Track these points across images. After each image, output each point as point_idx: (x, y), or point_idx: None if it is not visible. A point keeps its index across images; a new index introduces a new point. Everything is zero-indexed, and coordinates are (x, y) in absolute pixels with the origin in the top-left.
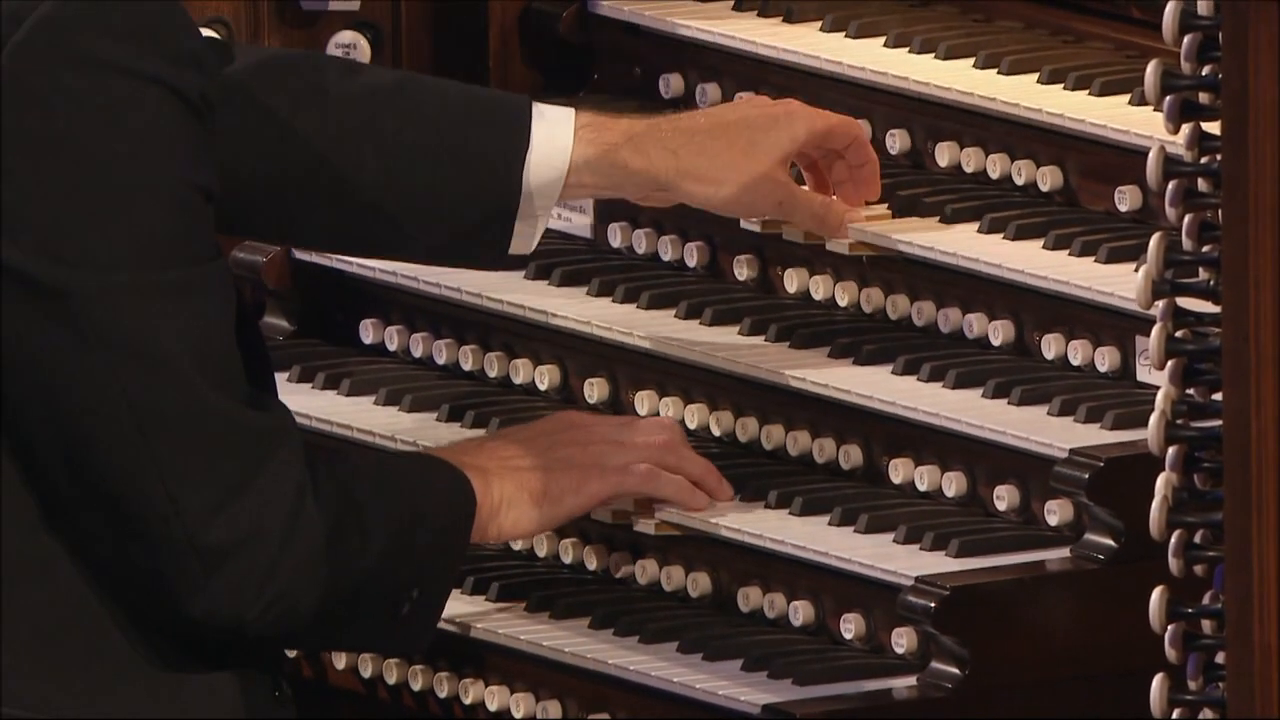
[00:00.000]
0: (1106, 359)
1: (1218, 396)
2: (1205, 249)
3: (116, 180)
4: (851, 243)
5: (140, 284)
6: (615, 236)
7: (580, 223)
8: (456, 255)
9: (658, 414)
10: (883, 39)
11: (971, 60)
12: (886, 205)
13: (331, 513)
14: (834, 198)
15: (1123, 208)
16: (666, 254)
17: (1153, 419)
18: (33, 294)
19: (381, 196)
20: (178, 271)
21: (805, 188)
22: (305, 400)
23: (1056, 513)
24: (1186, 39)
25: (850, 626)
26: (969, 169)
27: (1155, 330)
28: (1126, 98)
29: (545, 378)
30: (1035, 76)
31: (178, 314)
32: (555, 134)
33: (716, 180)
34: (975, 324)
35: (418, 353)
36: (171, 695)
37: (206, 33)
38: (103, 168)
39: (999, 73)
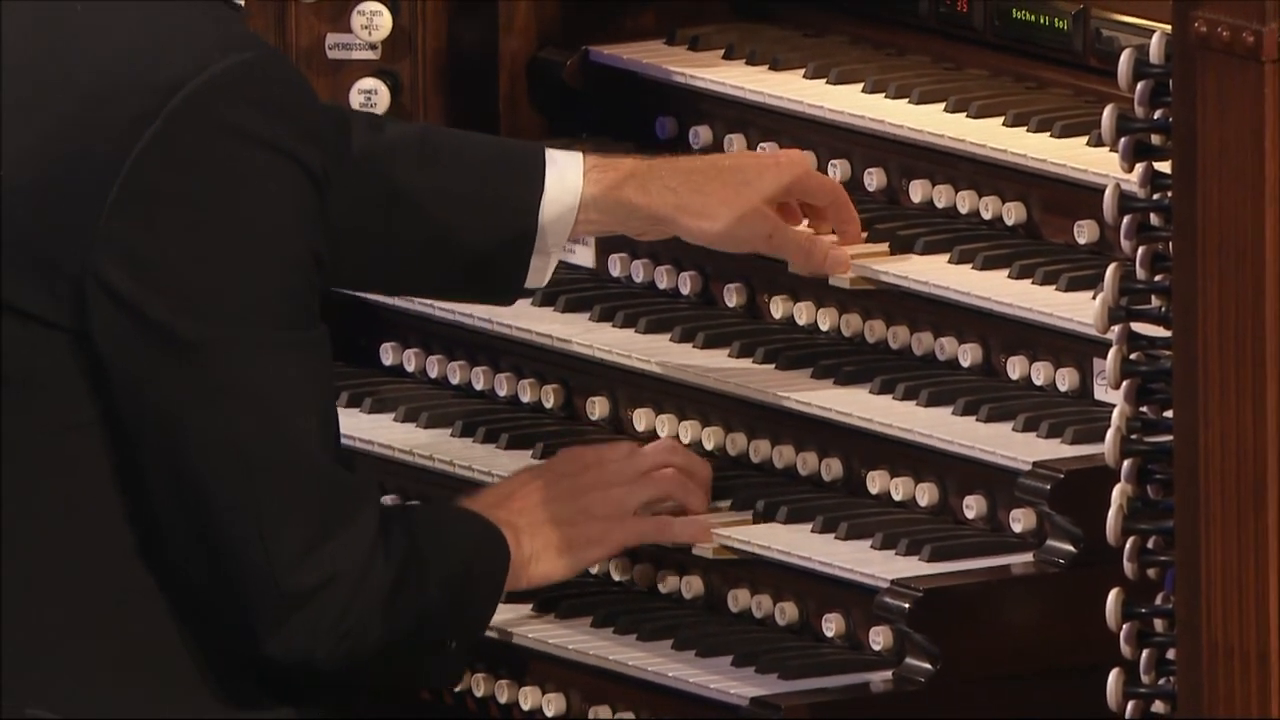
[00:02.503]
0: (1066, 379)
1: (1169, 414)
2: (1157, 278)
3: (251, 243)
4: (853, 278)
5: (264, 340)
6: (615, 267)
7: (583, 254)
8: (476, 291)
9: (654, 430)
10: (861, 85)
11: (942, 105)
12: (868, 239)
13: (397, 565)
14: (820, 236)
15: (1081, 240)
16: (662, 283)
17: (1109, 434)
18: (166, 342)
19: (409, 239)
20: (297, 332)
21: (796, 226)
22: None
23: (1021, 521)
24: (1139, 86)
25: (831, 625)
26: (940, 205)
27: (1111, 353)
28: (1085, 139)
29: (550, 397)
30: (1001, 120)
31: (293, 370)
32: (566, 176)
33: (711, 215)
34: (946, 347)
35: (433, 374)
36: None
37: None
38: (240, 231)
39: (968, 116)
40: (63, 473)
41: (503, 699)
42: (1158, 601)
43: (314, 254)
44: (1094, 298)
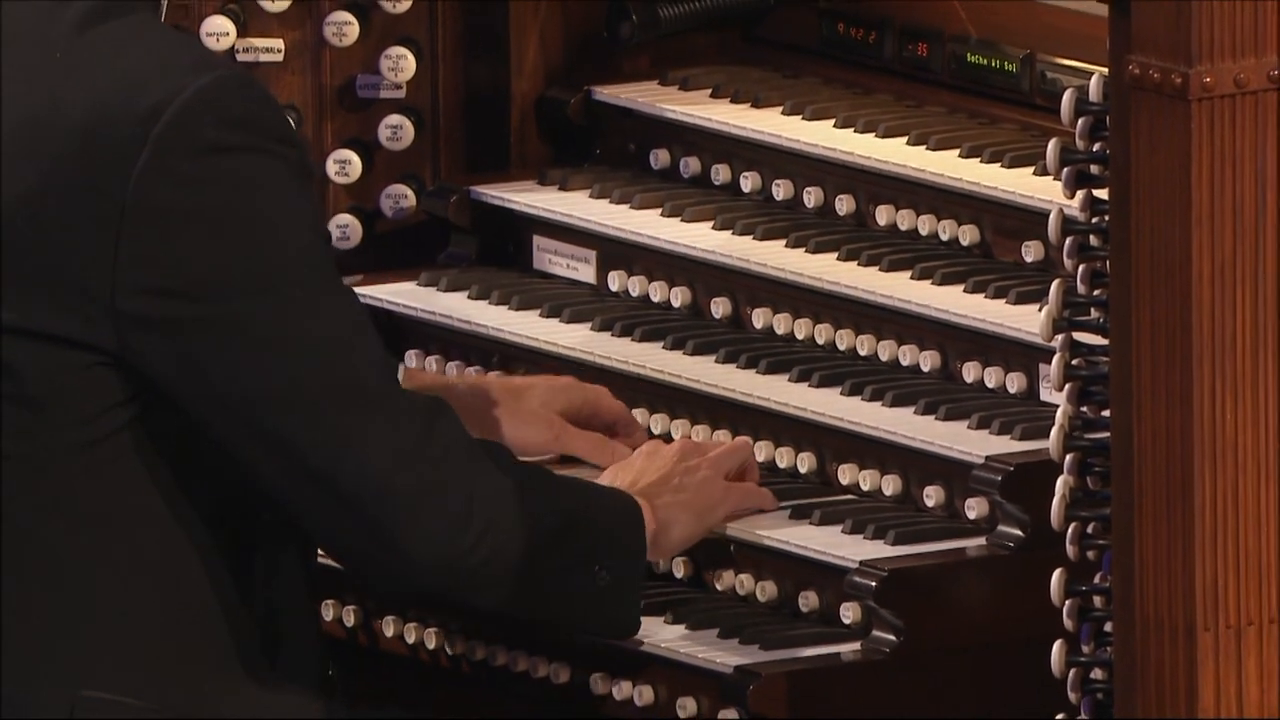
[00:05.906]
0: (1016, 382)
1: (1106, 413)
2: (1096, 293)
3: (259, 231)
4: (826, 291)
5: (301, 296)
6: (614, 282)
7: (585, 272)
8: None
9: (649, 428)
10: (833, 121)
11: (905, 138)
12: (838, 259)
13: (510, 468)
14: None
15: (1029, 259)
16: (656, 296)
17: (1053, 432)
18: (217, 330)
19: None
20: (330, 283)
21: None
22: None
23: (975, 509)
24: (1080, 121)
25: (806, 602)
26: (903, 227)
27: (1055, 359)
28: (1031, 169)
29: None
30: (957, 151)
31: (334, 314)
32: None
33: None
34: (908, 354)
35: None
36: (254, 691)
37: None
38: (245, 225)
39: (927, 148)
40: (105, 479)
41: (517, 668)
42: (1096, 580)
43: (316, 229)
44: (1040, 310)
